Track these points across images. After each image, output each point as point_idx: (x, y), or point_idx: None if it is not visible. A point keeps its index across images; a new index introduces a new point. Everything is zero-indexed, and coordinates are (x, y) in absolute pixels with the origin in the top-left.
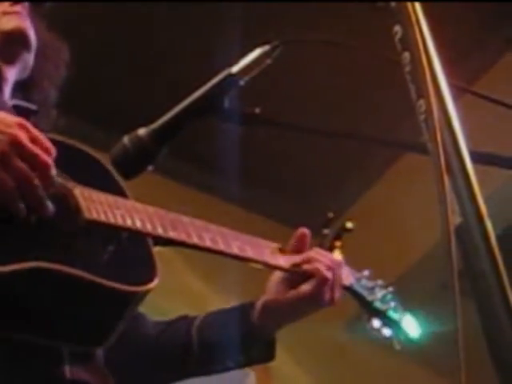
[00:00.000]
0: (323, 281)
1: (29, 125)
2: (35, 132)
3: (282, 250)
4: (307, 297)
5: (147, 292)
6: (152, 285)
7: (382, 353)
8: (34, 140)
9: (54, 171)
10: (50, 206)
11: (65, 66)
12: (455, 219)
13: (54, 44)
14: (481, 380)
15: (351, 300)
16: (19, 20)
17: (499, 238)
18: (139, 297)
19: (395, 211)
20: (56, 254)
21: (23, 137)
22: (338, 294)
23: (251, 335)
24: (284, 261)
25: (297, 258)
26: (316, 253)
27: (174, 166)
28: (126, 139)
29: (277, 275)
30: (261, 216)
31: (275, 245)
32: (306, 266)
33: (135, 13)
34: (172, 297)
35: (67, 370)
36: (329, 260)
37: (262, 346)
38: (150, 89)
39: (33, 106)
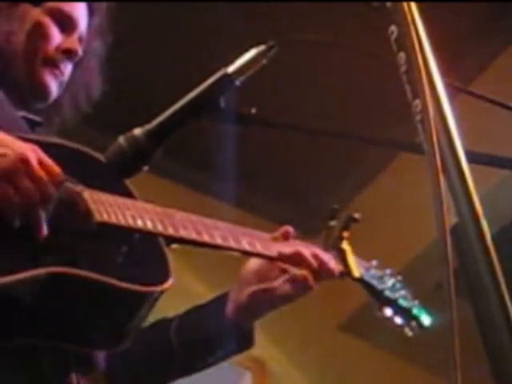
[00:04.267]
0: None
1: (38, 149)
2: (44, 156)
3: (274, 239)
4: (288, 296)
5: (162, 292)
6: (167, 284)
7: (377, 353)
8: (41, 163)
9: (54, 199)
10: (45, 229)
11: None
12: (451, 219)
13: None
14: (476, 379)
15: (344, 300)
16: (54, 80)
17: (495, 238)
18: (154, 297)
19: (390, 211)
20: (70, 257)
21: (32, 157)
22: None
23: (228, 330)
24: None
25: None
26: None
27: (169, 167)
28: (121, 139)
29: (254, 262)
30: (257, 216)
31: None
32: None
33: (127, 12)
34: (171, 297)
35: (74, 379)
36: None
37: (240, 337)
38: (146, 89)
39: (37, 118)
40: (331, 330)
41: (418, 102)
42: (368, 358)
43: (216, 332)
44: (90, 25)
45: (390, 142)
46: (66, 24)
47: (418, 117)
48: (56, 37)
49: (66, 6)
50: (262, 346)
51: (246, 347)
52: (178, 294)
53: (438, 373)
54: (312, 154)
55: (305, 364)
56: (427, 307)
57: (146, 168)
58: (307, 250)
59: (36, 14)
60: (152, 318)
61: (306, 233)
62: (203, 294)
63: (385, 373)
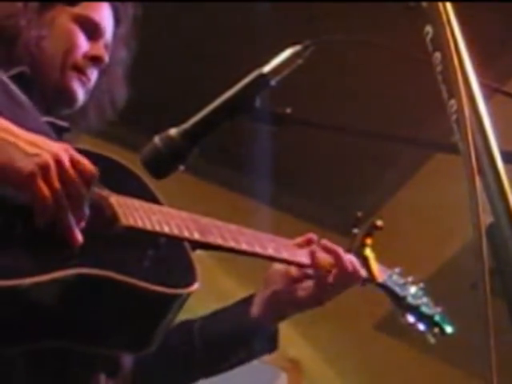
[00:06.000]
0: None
1: (72, 149)
2: (76, 154)
3: (298, 245)
4: (314, 298)
5: (189, 295)
6: (193, 288)
7: (412, 353)
8: (73, 162)
9: (87, 201)
10: (79, 235)
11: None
12: (486, 219)
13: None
14: None
15: (379, 300)
16: (81, 86)
17: None
18: (181, 300)
19: (426, 211)
20: (96, 260)
21: (65, 158)
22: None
23: (251, 331)
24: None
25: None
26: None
27: (205, 166)
28: (157, 139)
29: (279, 266)
30: (292, 216)
31: (293, 242)
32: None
33: (159, 11)
34: (202, 296)
35: (102, 380)
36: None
37: (263, 339)
38: (179, 88)
39: (65, 124)
40: (367, 330)
41: (453, 101)
42: (404, 358)
43: (239, 332)
44: (115, 33)
45: (425, 143)
46: (93, 31)
47: (454, 117)
48: (83, 44)
49: (94, 14)
50: (298, 346)
51: (269, 349)
52: (213, 295)
53: (473, 372)
54: (347, 153)
55: (340, 364)
56: (462, 307)
57: (181, 168)
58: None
59: (64, 20)
60: (184, 317)
61: (341, 232)
62: (237, 294)
63: (420, 372)
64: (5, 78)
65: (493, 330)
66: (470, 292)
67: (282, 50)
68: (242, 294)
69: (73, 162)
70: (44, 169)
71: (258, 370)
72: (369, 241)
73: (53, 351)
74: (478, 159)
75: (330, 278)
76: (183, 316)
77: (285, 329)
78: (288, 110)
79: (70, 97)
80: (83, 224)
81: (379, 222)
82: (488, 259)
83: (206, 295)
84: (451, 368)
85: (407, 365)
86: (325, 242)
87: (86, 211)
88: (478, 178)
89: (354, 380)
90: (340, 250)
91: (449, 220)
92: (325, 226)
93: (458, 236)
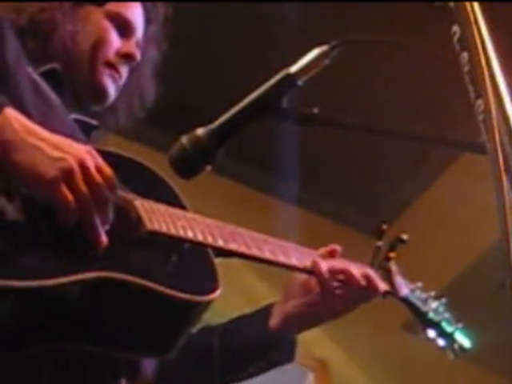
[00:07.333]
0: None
1: (95, 153)
2: (99, 159)
3: (322, 256)
4: (332, 312)
5: (210, 302)
6: (215, 295)
7: (440, 353)
8: (98, 169)
9: (111, 205)
10: (104, 238)
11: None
12: None
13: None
14: None
15: None
16: (112, 82)
17: None
18: (203, 306)
19: (453, 211)
20: (119, 264)
21: (90, 162)
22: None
23: (269, 343)
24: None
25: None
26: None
27: (232, 166)
28: (184, 139)
29: (300, 276)
30: (318, 216)
31: (316, 252)
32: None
33: (186, 11)
34: (232, 297)
35: None
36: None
37: (281, 349)
38: (207, 89)
39: (93, 122)
40: (395, 330)
41: (480, 101)
42: (431, 358)
43: (258, 344)
44: (146, 32)
45: (452, 143)
46: (125, 29)
47: (481, 117)
48: (116, 41)
49: (126, 12)
50: (325, 345)
51: (288, 360)
52: (243, 296)
53: (503, 373)
54: (374, 153)
55: (368, 364)
56: (490, 307)
57: (208, 168)
58: (357, 269)
59: (98, 17)
60: (215, 320)
61: (368, 232)
62: (266, 297)
63: (449, 372)
64: (35, 76)
65: None
66: (497, 291)
67: (308, 50)
68: (270, 296)
69: (97, 166)
70: (68, 174)
71: (284, 370)
72: (393, 254)
73: (74, 354)
74: (505, 159)
75: (339, 289)
76: (211, 317)
77: (312, 329)
78: (315, 110)
79: (102, 93)
80: (107, 227)
81: (404, 236)
82: None
83: (235, 296)
84: (479, 368)
85: (435, 365)
86: (333, 264)
87: (111, 214)
88: (505, 178)
89: (382, 380)
90: (349, 267)
91: (476, 220)
92: (352, 225)
93: (486, 235)
